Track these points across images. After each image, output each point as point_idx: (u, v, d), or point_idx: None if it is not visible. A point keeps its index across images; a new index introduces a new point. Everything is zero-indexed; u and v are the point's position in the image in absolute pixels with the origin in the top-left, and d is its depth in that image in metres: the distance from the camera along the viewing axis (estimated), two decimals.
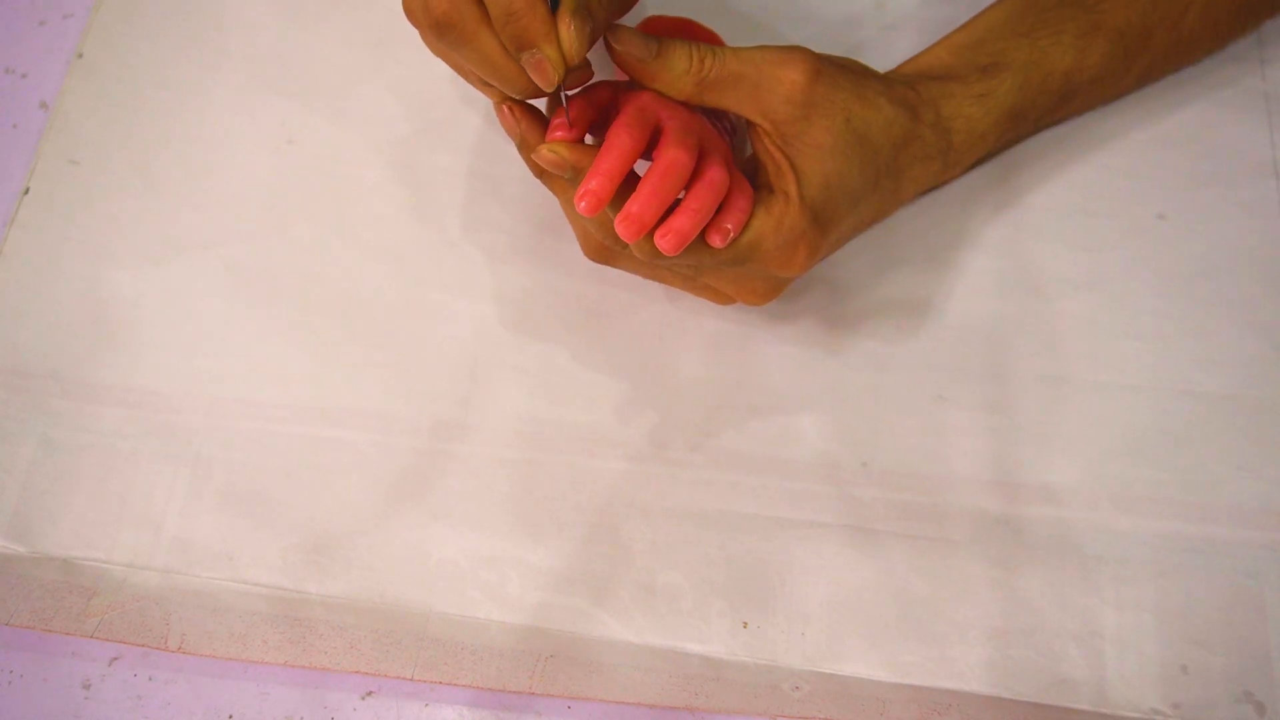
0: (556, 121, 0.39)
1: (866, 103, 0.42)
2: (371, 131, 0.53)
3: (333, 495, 0.46)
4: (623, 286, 0.49)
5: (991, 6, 0.47)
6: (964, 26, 0.47)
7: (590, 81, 0.40)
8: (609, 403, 0.47)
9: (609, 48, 0.39)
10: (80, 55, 0.55)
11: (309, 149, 0.52)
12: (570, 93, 0.40)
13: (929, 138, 0.45)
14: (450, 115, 0.53)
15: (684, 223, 0.38)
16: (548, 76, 0.37)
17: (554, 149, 0.39)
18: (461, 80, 0.52)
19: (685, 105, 0.40)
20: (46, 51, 0.56)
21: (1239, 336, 0.47)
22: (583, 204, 0.37)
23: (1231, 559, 0.43)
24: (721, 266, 0.41)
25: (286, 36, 0.55)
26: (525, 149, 0.41)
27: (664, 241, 0.37)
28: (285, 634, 0.44)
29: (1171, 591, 0.43)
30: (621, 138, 0.38)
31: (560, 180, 0.41)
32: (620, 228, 0.37)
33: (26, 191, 0.52)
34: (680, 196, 0.38)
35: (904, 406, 0.47)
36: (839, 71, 0.42)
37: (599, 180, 0.37)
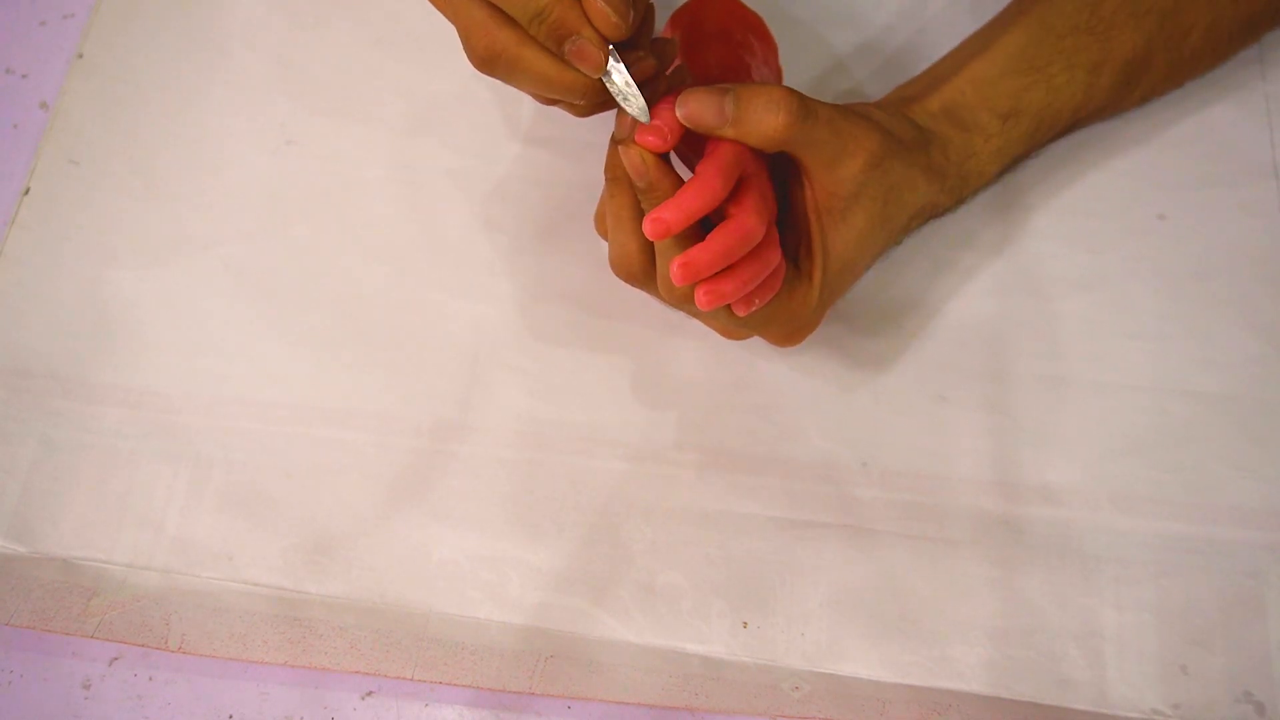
0: (654, 124, 0.38)
1: (908, 184, 0.43)
2: (371, 131, 0.53)
3: (333, 495, 0.46)
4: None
5: (1009, 27, 0.46)
6: (984, 52, 0.46)
7: (654, 75, 0.39)
8: (609, 403, 0.47)
9: (679, 114, 0.38)
10: (80, 55, 0.55)
11: (309, 149, 0.52)
12: (629, 91, 0.38)
13: (943, 202, 0.46)
14: (450, 115, 0.53)
15: (729, 289, 0.38)
16: (592, 58, 0.37)
17: (643, 156, 0.38)
18: (461, 80, 0.52)
19: (766, 157, 0.40)
20: (46, 51, 0.56)
21: (1239, 336, 0.47)
22: (651, 227, 0.37)
23: (1231, 559, 0.43)
24: (731, 324, 0.42)
25: (286, 36, 0.55)
26: (614, 140, 0.40)
27: (703, 298, 0.38)
28: (285, 634, 0.44)
29: (1171, 591, 0.43)
30: (713, 184, 0.37)
31: (623, 187, 0.40)
32: (678, 270, 0.37)
33: (27, 191, 0.52)
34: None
35: (904, 406, 0.47)
36: (897, 152, 0.42)
37: (676, 215, 0.37)
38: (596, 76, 0.37)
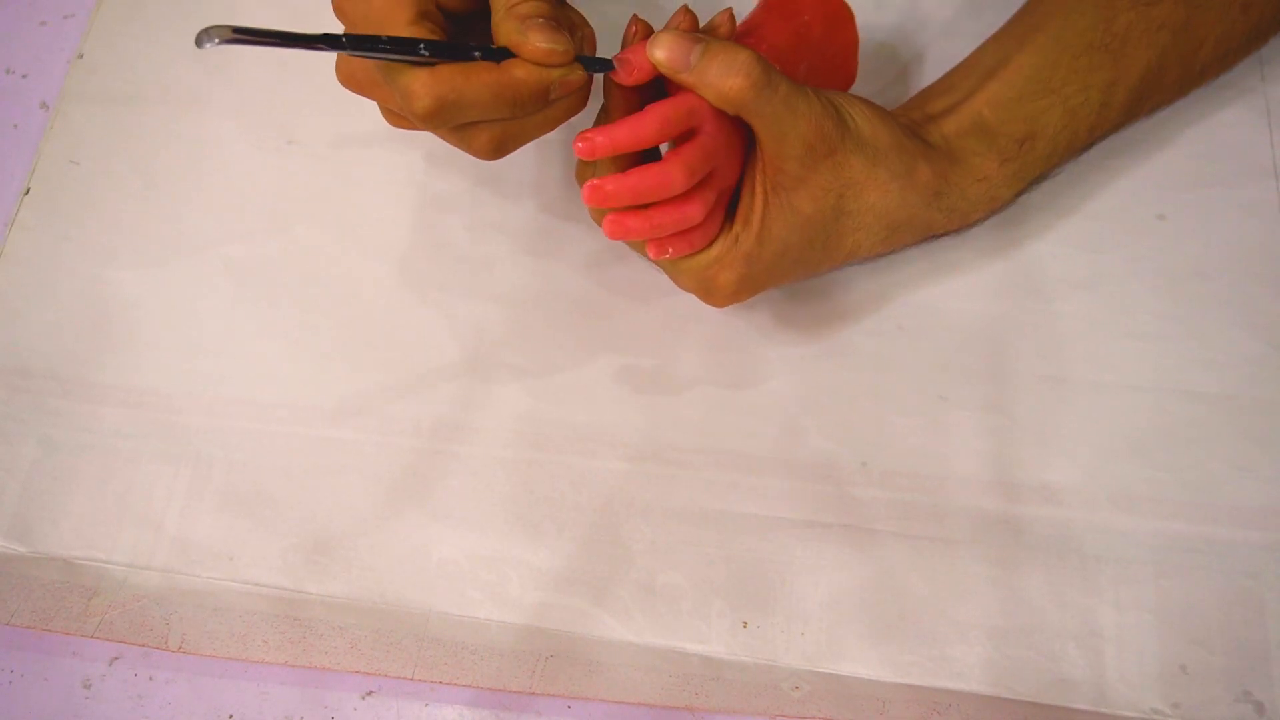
0: (625, 56, 0.40)
1: (874, 187, 0.43)
2: (371, 131, 0.53)
3: (333, 495, 0.46)
4: (623, 287, 0.49)
5: (1024, 45, 0.46)
6: (1001, 71, 0.46)
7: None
8: (609, 403, 0.47)
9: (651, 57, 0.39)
10: (80, 55, 0.55)
11: (309, 149, 0.52)
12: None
13: (939, 221, 0.46)
14: None
15: (634, 226, 0.40)
16: (575, 83, 0.39)
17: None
18: None
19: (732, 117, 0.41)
20: (46, 51, 0.56)
21: (1239, 336, 0.47)
22: (578, 144, 0.39)
23: (1231, 559, 0.43)
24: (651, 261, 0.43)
25: None
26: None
27: (606, 225, 0.40)
28: (285, 634, 0.44)
29: (1171, 591, 0.43)
30: (647, 126, 0.39)
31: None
32: (586, 191, 0.39)
33: (27, 192, 0.52)
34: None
35: (904, 406, 0.47)
36: (856, 149, 0.42)
37: (604, 141, 0.39)
38: (586, 80, 0.39)
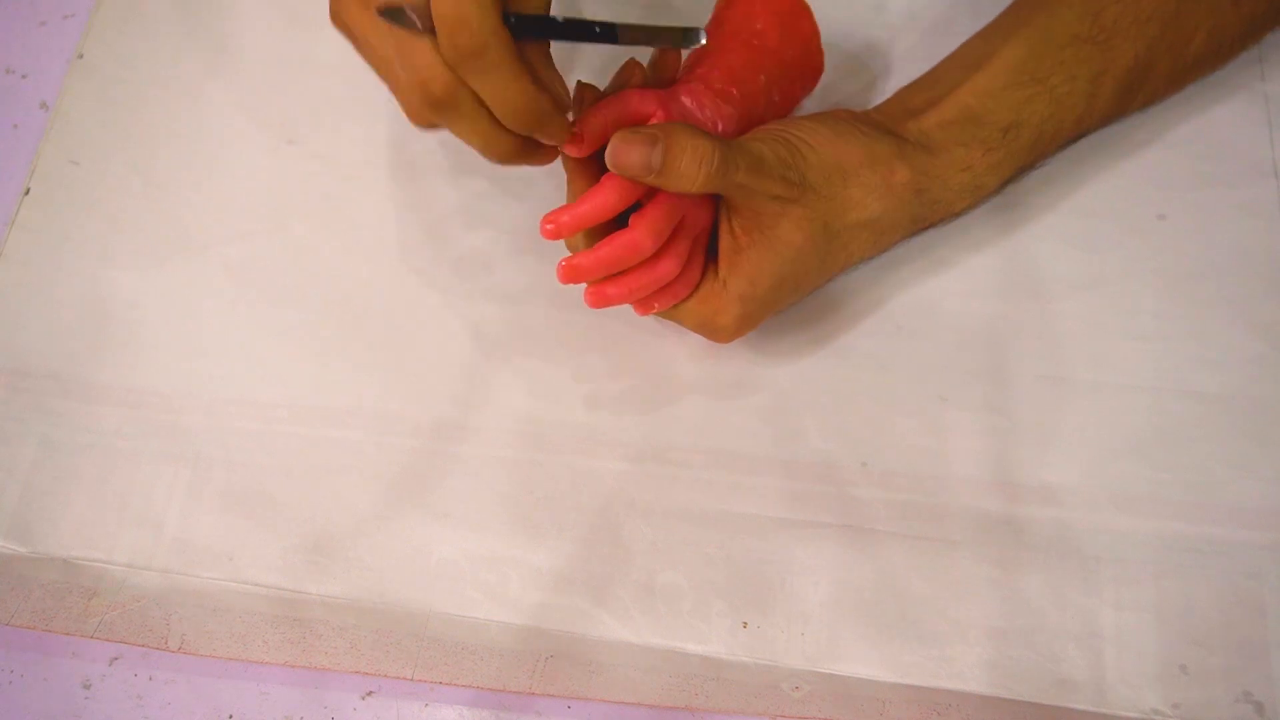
0: (576, 132, 0.40)
1: (851, 205, 0.43)
2: (371, 131, 0.53)
3: (333, 495, 0.46)
4: None
5: (1009, 38, 0.46)
6: (986, 64, 0.46)
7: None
8: (609, 403, 0.47)
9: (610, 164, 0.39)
10: (80, 55, 0.55)
11: (309, 149, 0.52)
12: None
13: (922, 214, 0.46)
14: None
15: (614, 294, 0.41)
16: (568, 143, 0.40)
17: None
18: None
19: None
20: (46, 51, 0.56)
21: (1239, 336, 0.47)
22: (545, 228, 0.39)
23: (1231, 559, 0.43)
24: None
25: (287, 36, 0.55)
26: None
27: (587, 297, 0.41)
28: (285, 634, 0.44)
29: (1171, 591, 0.43)
30: (609, 197, 0.40)
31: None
32: (560, 271, 0.40)
33: (27, 192, 0.52)
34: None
35: (904, 406, 0.47)
36: (823, 180, 0.42)
37: (570, 222, 0.40)
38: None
